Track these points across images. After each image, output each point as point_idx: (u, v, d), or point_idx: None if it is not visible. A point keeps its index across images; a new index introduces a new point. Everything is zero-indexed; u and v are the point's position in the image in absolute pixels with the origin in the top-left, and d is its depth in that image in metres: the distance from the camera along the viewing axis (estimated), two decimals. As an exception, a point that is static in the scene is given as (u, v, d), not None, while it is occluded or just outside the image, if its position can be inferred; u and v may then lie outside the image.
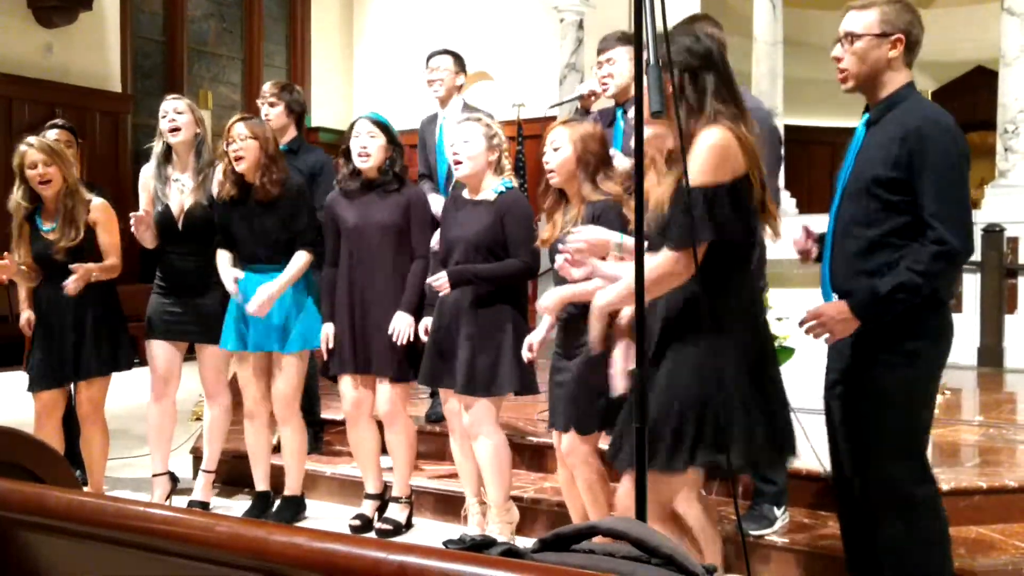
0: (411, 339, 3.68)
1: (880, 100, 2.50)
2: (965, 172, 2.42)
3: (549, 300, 2.85)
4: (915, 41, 2.49)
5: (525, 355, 3.30)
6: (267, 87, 4.64)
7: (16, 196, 3.96)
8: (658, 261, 2.26)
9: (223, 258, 3.96)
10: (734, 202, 2.23)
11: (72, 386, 4.12)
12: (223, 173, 3.92)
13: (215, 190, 3.98)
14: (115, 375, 4.11)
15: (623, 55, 3.59)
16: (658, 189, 2.31)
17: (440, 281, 3.38)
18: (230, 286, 3.87)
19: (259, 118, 4.08)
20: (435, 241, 3.89)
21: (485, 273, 3.41)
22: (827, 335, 2.48)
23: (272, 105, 4.54)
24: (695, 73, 2.28)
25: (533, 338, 3.27)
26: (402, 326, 3.67)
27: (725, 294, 2.30)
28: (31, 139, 4.00)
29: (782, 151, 3.34)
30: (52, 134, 4.50)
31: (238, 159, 3.83)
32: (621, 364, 2.46)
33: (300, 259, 3.89)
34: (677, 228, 2.23)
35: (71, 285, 3.84)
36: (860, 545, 2.63)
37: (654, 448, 2.27)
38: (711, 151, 2.21)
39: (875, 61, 2.47)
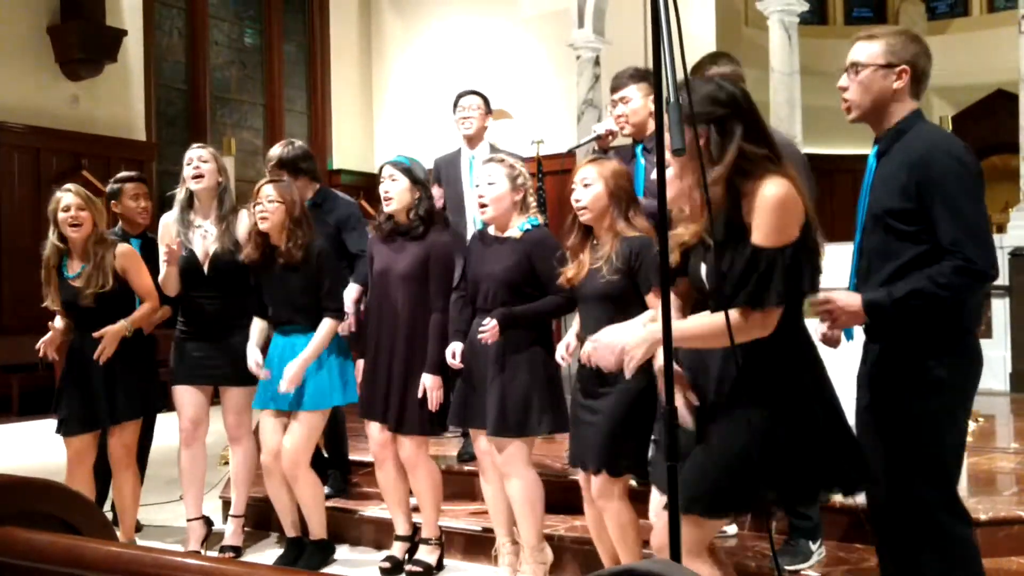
0: (441, 401, 3.70)
1: (887, 130, 2.49)
2: (979, 194, 2.38)
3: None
4: (922, 72, 2.47)
5: (560, 358, 3.28)
6: (269, 153, 4.55)
7: (51, 239, 4.01)
8: (720, 319, 2.13)
9: (254, 328, 4.05)
10: (804, 254, 2.18)
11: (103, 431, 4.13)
12: (248, 234, 4.01)
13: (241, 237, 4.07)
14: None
15: (636, 93, 3.61)
16: (690, 230, 2.29)
17: (490, 328, 3.35)
18: (252, 365, 3.96)
19: (287, 180, 4.11)
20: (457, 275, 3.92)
21: (530, 313, 3.41)
22: (831, 321, 2.44)
23: (278, 176, 4.49)
24: (722, 121, 2.24)
25: (570, 339, 3.27)
26: (431, 390, 3.68)
27: (784, 338, 2.24)
28: (69, 186, 4.09)
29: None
30: (128, 187, 4.60)
31: (262, 219, 3.90)
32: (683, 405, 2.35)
33: (324, 327, 3.90)
34: (754, 288, 2.15)
35: (104, 353, 3.90)
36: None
37: (708, 492, 2.25)
38: (781, 208, 2.14)
39: (880, 91, 2.46)
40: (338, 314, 3.96)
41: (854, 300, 2.42)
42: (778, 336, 2.20)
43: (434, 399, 3.68)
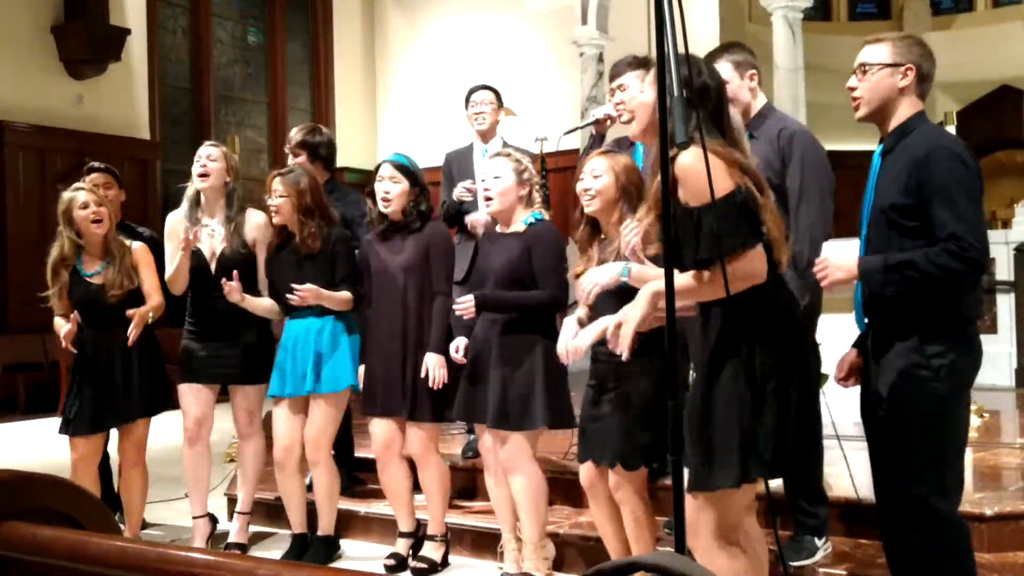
0: (445, 381, 3.69)
1: (892, 129, 2.61)
2: (977, 192, 2.49)
3: (584, 341, 2.87)
4: (926, 74, 2.61)
5: (561, 354, 3.22)
6: (291, 134, 4.59)
7: (68, 236, 3.95)
8: (686, 279, 2.33)
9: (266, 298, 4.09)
10: (732, 213, 2.28)
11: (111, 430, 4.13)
12: (264, 225, 4.12)
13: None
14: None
15: (634, 80, 3.60)
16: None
17: (466, 304, 3.39)
18: (229, 284, 3.88)
19: (298, 170, 4.09)
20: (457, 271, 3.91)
21: (511, 301, 3.42)
22: (826, 279, 2.55)
23: (295, 155, 4.48)
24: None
25: (569, 344, 3.23)
26: (434, 368, 3.68)
27: (756, 299, 2.34)
28: (79, 184, 4.08)
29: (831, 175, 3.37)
30: (92, 177, 4.57)
31: (275, 213, 3.97)
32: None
33: (343, 293, 3.92)
34: (696, 247, 2.30)
35: (133, 334, 3.89)
36: (900, 563, 2.62)
37: (711, 466, 2.30)
38: (692, 172, 2.27)
39: (886, 90, 2.60)
40: (355, 291, 3.96)
41: (849, 260, 2.53)
42: (741, 299, 2.30)
43: (438, 377, 3.67)
